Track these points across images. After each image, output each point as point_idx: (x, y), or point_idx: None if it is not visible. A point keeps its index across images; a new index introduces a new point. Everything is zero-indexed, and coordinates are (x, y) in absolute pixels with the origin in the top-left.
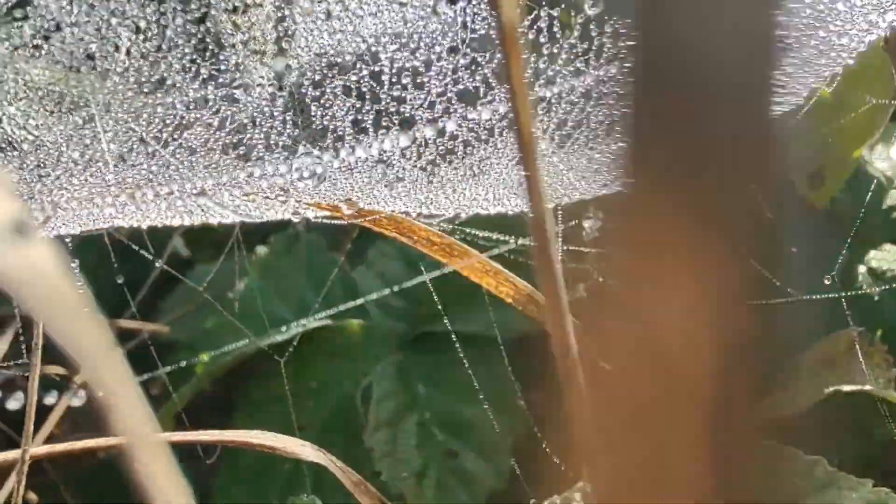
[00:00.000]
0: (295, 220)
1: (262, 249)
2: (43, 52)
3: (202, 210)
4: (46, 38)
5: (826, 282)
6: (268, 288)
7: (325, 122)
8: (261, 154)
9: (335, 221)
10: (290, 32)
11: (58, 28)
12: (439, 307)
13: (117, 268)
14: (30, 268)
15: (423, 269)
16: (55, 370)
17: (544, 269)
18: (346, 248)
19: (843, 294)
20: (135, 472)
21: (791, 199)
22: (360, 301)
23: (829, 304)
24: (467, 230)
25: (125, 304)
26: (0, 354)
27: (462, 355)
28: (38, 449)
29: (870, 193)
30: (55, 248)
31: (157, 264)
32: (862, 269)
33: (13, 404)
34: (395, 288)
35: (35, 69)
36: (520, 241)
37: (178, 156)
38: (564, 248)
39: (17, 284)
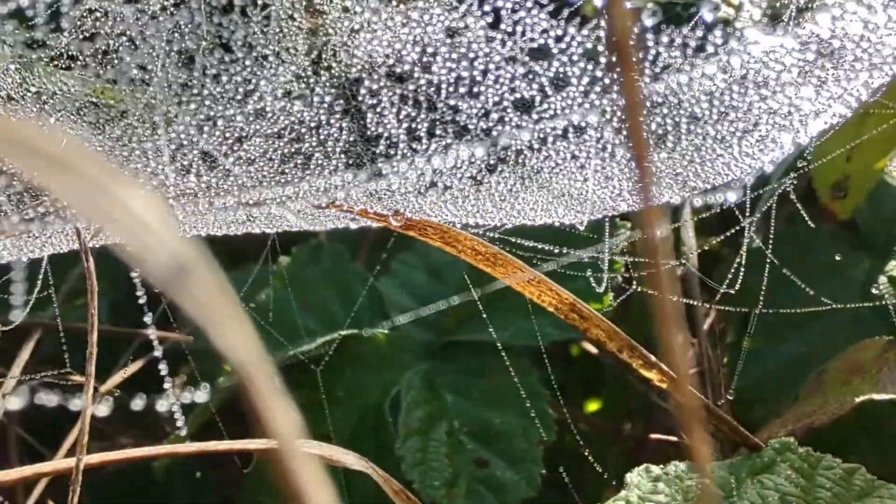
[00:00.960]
0: (353, 226)
1: (284, 259)
2: (83, 63)
3: (251, 220)
4: (104, 57)
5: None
6: (291, 298)
7: (380, 131)
8: (319, 162)
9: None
10: (349, 42)
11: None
12: (484, 317)
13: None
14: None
15: (446, 279)
16: (78, 378)
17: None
18: (371, 259)
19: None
20: (280, 474)
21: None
22: (412, 316)
23: (853, 313)
24: (512, 239)
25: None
26: (22, 363)
27: (508, 363)
28: (92, 457)
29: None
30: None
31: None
32: (883, 279)
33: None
34: (445, 304)
35: (71, 80)
36: (564, 251)
37: (237, 166)
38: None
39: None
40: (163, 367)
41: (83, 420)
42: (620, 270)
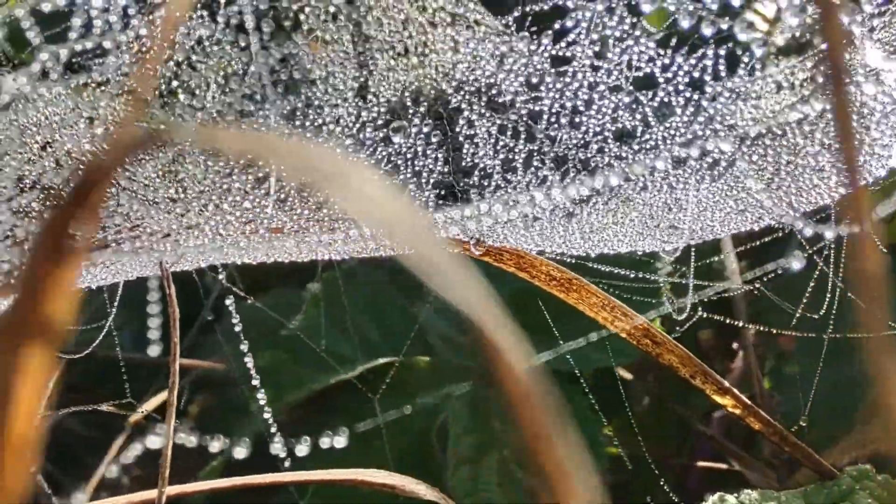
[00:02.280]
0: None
1: (314, 286)
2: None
3: (328, 245)
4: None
5: None
6: (327, 323)
7: (476, 161)
8: (411, 193)
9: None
10: (448, 72)
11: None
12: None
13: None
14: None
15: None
16: (110, 409)
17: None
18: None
19: None
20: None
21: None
22: None
23: None
24: (590, 264)
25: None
26: (47, 392)
27: (587, 391)
28: (173, 489)
29: None
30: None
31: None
32: None
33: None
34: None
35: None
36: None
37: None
38: None
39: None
40: (265, 410)
41: (165, 453)
42: (669, 297)
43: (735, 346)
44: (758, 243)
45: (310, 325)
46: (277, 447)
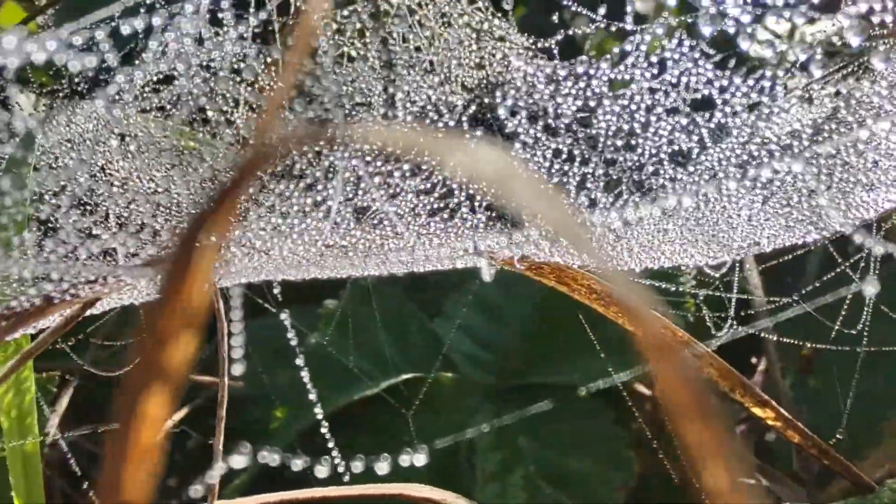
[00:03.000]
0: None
1: (331, 303)
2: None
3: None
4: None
5: None
6: (344, 340)
7: None
8: (464, 216)
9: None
10: (508, 95)
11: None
12: (550, 359)
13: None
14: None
15: (505, 319)
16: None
17: None
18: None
19: None
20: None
21: None
22: None
23: None
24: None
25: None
26: (61, 412)
27: (634, 408)
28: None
29: None
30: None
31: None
32: None
33: None
34: None
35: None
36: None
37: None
38: None
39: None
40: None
41: (216, 467)
42: (691, 310)
43: (754, 360)
44: (789, 257)
45: (329, 342)
46: (340, 462)
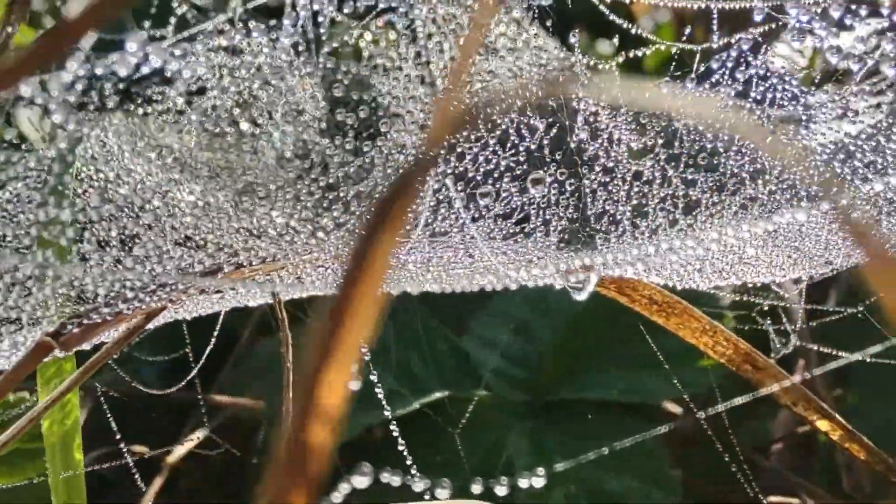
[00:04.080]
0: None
1: None
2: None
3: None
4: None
5: None
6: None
7: (606, 207)
8: (539, 240)
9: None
10: (589, 120)
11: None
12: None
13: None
14: None
15: (533, 336)
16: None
17: None
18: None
19: None
20: None
21: None
22: None
23: None
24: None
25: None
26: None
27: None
28: None
29: None
30: None
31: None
32: None
33: None
34: None
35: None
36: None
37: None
38: None
39: None
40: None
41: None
42: (731, 324)
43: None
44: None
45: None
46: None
